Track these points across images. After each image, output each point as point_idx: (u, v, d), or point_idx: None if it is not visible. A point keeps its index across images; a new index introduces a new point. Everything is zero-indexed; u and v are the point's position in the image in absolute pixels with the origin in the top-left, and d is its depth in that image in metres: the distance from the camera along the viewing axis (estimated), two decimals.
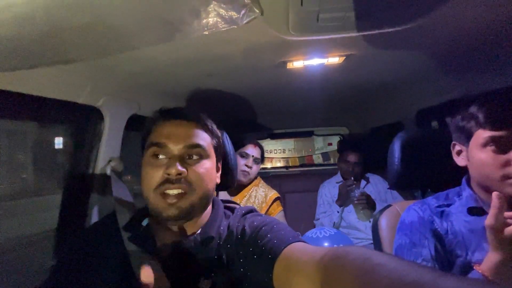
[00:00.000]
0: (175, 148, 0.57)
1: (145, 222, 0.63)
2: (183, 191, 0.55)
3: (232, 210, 0.68)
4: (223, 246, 0.58)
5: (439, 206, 0.75)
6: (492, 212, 0.56)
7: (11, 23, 0.34)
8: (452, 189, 0.79)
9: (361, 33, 0.63)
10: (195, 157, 0.59)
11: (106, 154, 0.97)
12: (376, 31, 0.63)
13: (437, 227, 0.72)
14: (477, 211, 0.70)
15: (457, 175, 0.98)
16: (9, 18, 0.33)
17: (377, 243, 0.95)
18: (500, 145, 0.62)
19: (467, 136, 0.70)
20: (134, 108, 1.08)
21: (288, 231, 0.54)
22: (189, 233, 0.60)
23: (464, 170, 0.76)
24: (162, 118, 0.62)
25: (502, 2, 0.57)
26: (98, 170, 0.95)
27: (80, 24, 0.34)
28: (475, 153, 0.68)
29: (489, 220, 0.56)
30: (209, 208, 0.66)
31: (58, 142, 1.02)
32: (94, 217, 0.93)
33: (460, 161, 0.76)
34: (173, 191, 0.55)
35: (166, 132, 0.59)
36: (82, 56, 0.48)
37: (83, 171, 0.95)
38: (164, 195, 0.55)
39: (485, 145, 0.65)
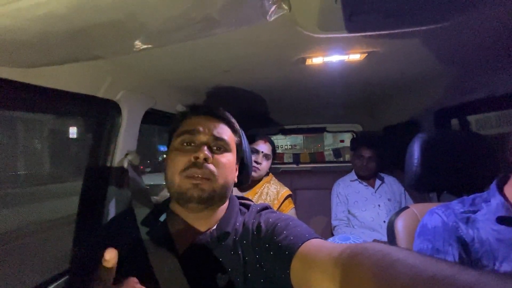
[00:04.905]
0: (204, 136, 0.61)
1: (162, 218, 0.63)
2: (206, 176, 0.57)
3: (247, 206, 0.68)
4: (239, 242, 0.59)
5: (464, 212, 0.72)
6: None
7: (42, 21, 0.34)
8: (478, 194, 0.75)
9: (389, 31, 0.61)
10: (220, 148, 0.62)
11: (124, 148, 0.98)
12: (405, 30, 0.61)
13: (462, 234, 0.69)
14: (508, 221, 0.66)
15: (479, 179, 0.95)
16: (40, 15, 0.33)
17: (392, 244, 0.93)
18: None
19: None
20: (151, 102, 1.09)
21: (304, 228, 0.54)
22: (205, 228, 0.61)
23: (491, 174, 0.72)
24: (192, 113, 0.67)
25: None
26: (115, 163, 0.97)
27: (111, 21, 0.34)
28: None
29: None
30: (225, 204, 0.66)
31: (77, 134, 1.04)
32: (112, 211, 0.95)
33: None
34: (198, 174, 0.57)
35: (197, 122, 0.63)
36: (110, 53, 0.48)
37: (102, 164, 0.96)
38: (189, 178, 0.57)
39: None
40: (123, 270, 0.55)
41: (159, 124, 1.43)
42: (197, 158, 0.57)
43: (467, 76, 1.09)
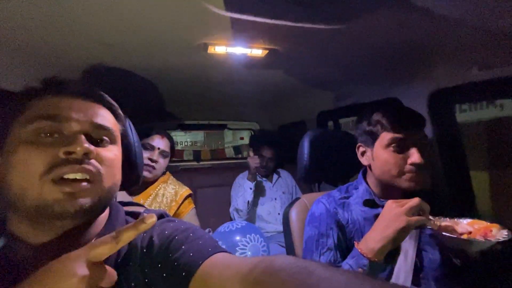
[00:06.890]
0: (78, 124, 0.43)
1: (0, 243, 0.42)
2: (88, 177, 0.41)
3: (136, 215, 0.54)
4: (122, 264, 0.45)
5: (341, 198, 0.85)
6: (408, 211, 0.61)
7: None
8: (351, 183, 0.90)
9: (294, 24, 0.63)
10: (102, 139, 0.46)
11: None
12: (307, 25, 0.64)
13: (340, 218, 0.80)
14: (371, 203, 0.81)
15: (348, 170, 1.16)
16: None
17: (288, 234, 1.00)
18: (399, 146, 0.75)
19: (373, 139, 0.80)
20: None
21: (207, 240, 0.46)
22: (73, 249, 0.43)
23: (359, 166, 0.88)
24: (51, 90, 0.46)
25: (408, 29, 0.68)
26: None
27: None
28: (379, 152, 0.78)
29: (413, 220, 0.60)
30: (105, 213, 0.50)
31: None
32: None
33: (364, 160, 0.85)
34: (75, 175, 0.40)
35: (64, 105, 0.44)
36: None
37: None
38: (59, 183, 0.39)
39: (387, 145, 0.76)
40: None
41: None
42: (70, 153, 0.40)
43: (343, 84, 1.31)
